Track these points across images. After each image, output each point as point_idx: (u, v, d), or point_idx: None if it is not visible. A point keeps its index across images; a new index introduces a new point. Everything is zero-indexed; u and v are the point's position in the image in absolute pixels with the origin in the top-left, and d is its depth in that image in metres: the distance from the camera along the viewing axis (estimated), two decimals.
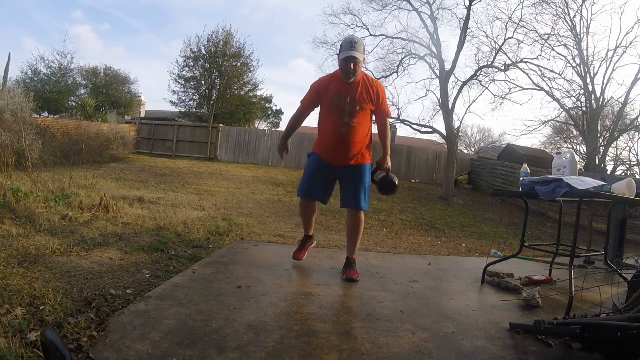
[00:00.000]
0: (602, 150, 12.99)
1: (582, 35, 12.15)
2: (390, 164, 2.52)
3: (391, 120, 12.61)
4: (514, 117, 60.12)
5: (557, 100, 12.83)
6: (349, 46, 2.26)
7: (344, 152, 2.44)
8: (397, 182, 2.62)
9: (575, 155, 2.79)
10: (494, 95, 12.32)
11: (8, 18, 33.39)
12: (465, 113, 17.42)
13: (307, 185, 2.50)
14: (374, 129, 2.55)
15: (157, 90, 62.38)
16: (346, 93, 2.36)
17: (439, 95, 11.27)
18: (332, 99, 2.39)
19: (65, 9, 41.82)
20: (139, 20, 49.02)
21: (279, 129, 22.37)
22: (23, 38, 41.58)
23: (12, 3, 30.87)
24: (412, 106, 77.56)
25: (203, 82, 17.25)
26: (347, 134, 2.39)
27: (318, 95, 2.45)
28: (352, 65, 2.26)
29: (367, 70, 12.67)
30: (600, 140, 12.95)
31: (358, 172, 2.47)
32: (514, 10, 14.25)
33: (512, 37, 11.17)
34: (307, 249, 2.68)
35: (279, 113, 25.61)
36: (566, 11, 11.89)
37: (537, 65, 11.88)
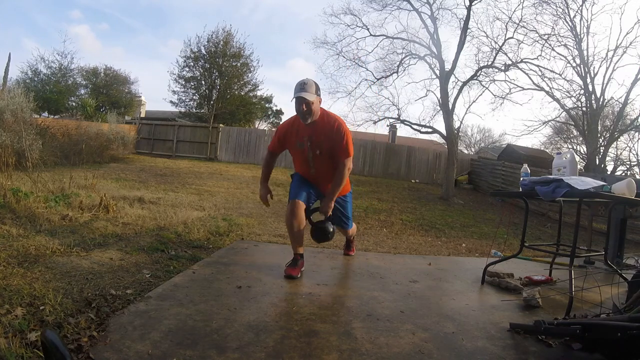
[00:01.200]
0: (602, 150, 12.99)
1: (582, 35, 12.16)
2: (330, 211, 2.45)
3: (391, 120, 12.74)
4: (514, 117, 60.08)
5: (557, 100, 12.83)
6: (298, 88, 2.29)
7: (320, 184, 2.55)
8: (331, 231, 2.48)
9: (575, 155, 2.79)
10: (494, 95, 12.31)
11: (7, 18, 33.41)
12: (465, 113, 17.38)
13: (297, 188, 2.48)
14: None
15: (157, 90, 62.42)
16: (307, 137, 2.40)
17: (439, 95, 11.26)
18: (296, 143, 2.45)
19: (63, 8, 41.87)
20: (137, 20, 49.06)
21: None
22: (22, 38, 41.65)
23: (10, 2, 30.88)
24: (412, 106, 77.40)
25: (203, 82, 17.26)
26: (316, 174, 2.50)
27: (284, 139, 2.52)
28: (304, 106, 2.27)
29: (367, 69, 12.69)
30: (600, 140, 12.95)
31: (338, 203, 2.60)
32: (514, 10, 14.23)
33: (512, 37, 11.16)
34: (299, 267, 2.39)
35: (279, 113, 25.59)
36: (566, 11, 11.90)
37: (537, 65, 11.88)
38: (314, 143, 2.40)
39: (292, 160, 2.62)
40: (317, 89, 2.34)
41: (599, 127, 12.92)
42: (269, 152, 2.65)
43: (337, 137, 2.37)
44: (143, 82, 36.70)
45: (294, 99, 2.29)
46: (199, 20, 51.96)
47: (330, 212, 2.46)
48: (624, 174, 14.40)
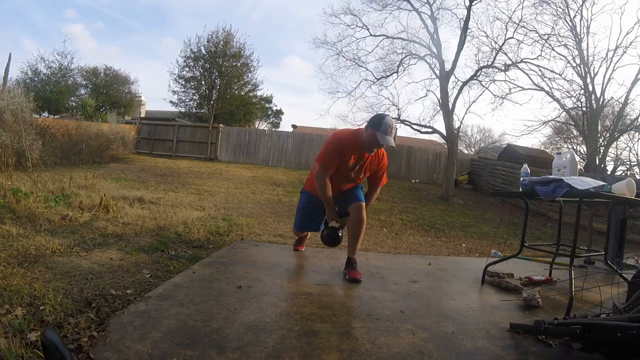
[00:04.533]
0: (602, 150, 12.97)
1: (582, 35, 12.15)
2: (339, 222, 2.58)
3: None
4: (514, 117, 59.99)
5: (557, 100, 12.82)
6: (387, 130, 2.24)
7: (334, 192, 2.56)
8: (340, 235, 2.57)
9: (575, 155, 2.79)
10: (494, 95, 12.30)
11: (7, 18, 33.41)
12: (465, 113, 17.38)
13: (301, 222, 2.76)
14: None
15: (157, 90, 62.38)
16: (362, 160, 2.47)
17: (439, 95, 11.26)
18: (349, 164, 2.46)
19: (59, 7, 41.81)
20: (136, 20, 49.00)
21: (279, 129, 22.39)
22: (22, 38, 41.62)
23: (9, 2, 30.87)
24: (412, 106, 77.48)
25: (203, 82, 17.26)
26: (345, 186, 2.60)
27: (341, 155, 2.41)
28: (382, 148, 2.42)
29: (367, 69, 12.69)
30: (600, 140, 12.93)
31: (351, 187, 2.64)
32: (514, 10, 14.24)
33: (512, 37, 11.16)
34: (304, 243, 3.06)
35: (279, 113, 25.62)
36: (566, 11, 11.89)
37: (537, 65, 11.88)
38: (362, 168, 2.52)
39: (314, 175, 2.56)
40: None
41: (599, 127, 12.90)
42: (324, 173, 2.43)
43: (382, 167, 2.59)
44: (143, 82, 36.67)
45: (381, 141, 2.24)
46: (199, 21, 52.03)
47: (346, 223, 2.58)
48: (624, 174, 14.40)
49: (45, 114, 16.44)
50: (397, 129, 2.34)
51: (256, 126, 22.34)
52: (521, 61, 11.47)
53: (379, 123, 2.26)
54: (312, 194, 2.65)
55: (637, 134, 14.23)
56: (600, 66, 12.55)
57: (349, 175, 2.50)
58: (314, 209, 2.68)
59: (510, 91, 12.04)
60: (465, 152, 24.86)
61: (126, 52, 47.38)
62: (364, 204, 2.52)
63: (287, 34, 54.16)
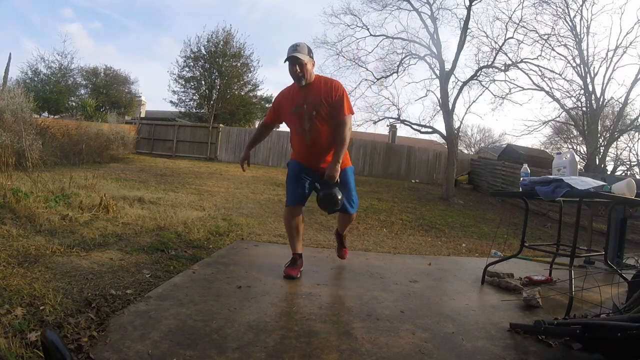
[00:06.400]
0: (602, 150, 12.97)
1: (582, 35, 12.15)
2: (337, 175, 2.28)
3: (391, 120, 12.75)
4: (514, 117, 60.07)
5: (557, 100, 12.83)
6: (291, 49, 2.27)
7: (316, 158, 2.44)
8: (339, 197, 2.31)
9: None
10: (494, 95, 12.30)
11: (6, 18, 33.40)
12: (465, 113, 17.39)
13: (293, 189, 2.43)
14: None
15: (157, 90, 62.37)
16: (303, 100, 2.35)
17: (439, 95, 11.26)
18: (291, 109, 2.40)
19: (57, 7, 41.83)
20: (135, 20, 48.98)
21: (279, 129, 22.36)
22: (21, 38, 41.59)
23: (8, 2, 30.86)
24: (412, 106, 77.40)
25: (203, 82, 17.27)
26: (312, 140, 2.38)
27: (279, 108, 2.50)
28: (297, 67, 2.25)
29: (367, 69, 12.68)
30: (600, 140, 12.93)
31: (340, 177, 2.39)
32: (514, 10, 14.25)
33: (512, 37, 11.15)
34: (299, 267, 2.38)
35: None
36: (566, 11, 11.89)
37: (537, 65, 11.88)
38: (310, 105, 2.32)
39: (289, 135, 2.57)
40: (310, 51, 2.34)
41: (599, 127, 12.90)
42: (263, 123, 2.69)
43: (334, 94, 2.33)
44: (143, 82, 36.73)
45: (287, 61, 2.27)
46: (198, 21, 52.03)
47: (337, 176, 2.28)
48: (624, 174, 14.39)
49: (45, 114, 16.45)
50: (300, 44, 2.29)
51: (256, 126, 22.33)
52: (521, 61, 11.48)
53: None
54: (295, 159, 2.54)
55: (637, 134, 14.23)
56: (600, 66, 12.57)
57: (303, 122, 2.34)
58: (305, 175, 2.46)
59: (510, 91, 12.06)
60: (465, 152, 24.86)
61: (125, 52, 47.42)
62: (352, 215, 2.70)
63: (287, 34, 54.18)
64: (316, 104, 2.32)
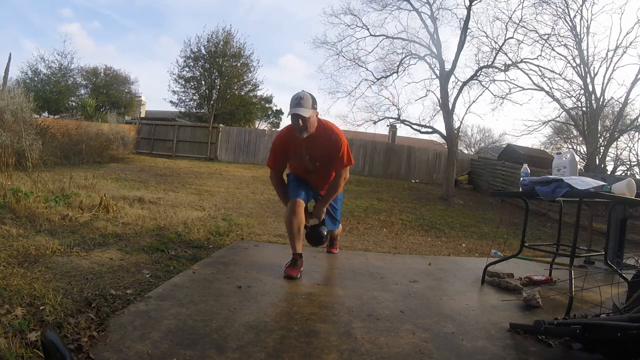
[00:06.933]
0: (602, 150, 12.97)
1: (582, 35, 12.15)
2: (323, 215, 2.54)
3: (391, 120, 12.74)
4: (514, 117, 60.01)
5: (557, 100, 12.83)
6: (294, 103, 2.27)
7: (317, 185, 2.62)
8: (325, 235, 2.56)
9: (575, 155, 2.79)
10: (494, 95, 12.30)
11: (5, 17, 33.40)
12: (465, 113, 17.37)
13: (296, 186, 2.52)
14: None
15: (157, 90, 62.40)
16: (305, 150, 2.42)
17: (439, 95, 11.26)
18: (294, 157, 2.48)
19: (57, 6, 41.83)
20: (135, 20, 48.98)
21: (279, 129, 22.33)
22: (20, 38, 41.61)
23: (7, 2, 30.88)
24: (412, 106, 77.33)
25: (203, 82, 17.28)
26: (314, 179, 2.57)
27: (283, 153, 2.52)
28: (300, 121, 2.27)
29: (367, 69, 12.68)
30: (600, 140, 12.93)
31: (331, 206, 2.64)
32: (514, 10, 14.22)
33: (512, 37, 11.15)
34: (299, 267, 2.35)
35: (279, 113, 25.58)
36: (566, 11, 11.89)
37: (537, 65, 11.87)
38: (312, 156, 2.45)
39: (289, 164, 2.63)
40: (314, 102, 2.33)
41: (599, 127, 12.90)
42: (273, 172, 2.59)
43: (334, 148, 2.40)
44: (143, 82, 36.73)
45: (290, 115, 2.29)
46: (198, 21, 52.02)
47: (322, 217, 2.54)
48: (624, 174, 14.39)
49: (45, 114, 16.46)
50: (304, 96, 2.28)
51: (256, 126, 22.35)
52: (521, 61, 11.48)
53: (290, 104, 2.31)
54: (295, 174, 2.63)
55: (637, 134, 14.24)
56: (600, 66, 12.57)
57: (307, 166, 2.51)
58: (301, 179, 2.59)
59: (510, 91, 12.06)
60: (465, 152, 24.87)
61: (125, 52, 47.42)
62: (335, 232, 2.90)
63: (287, 34, 54.20)
64: (319, 156, 2.44)
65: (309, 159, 2.44)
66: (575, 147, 16.28)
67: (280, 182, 2.61)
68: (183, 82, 17.47)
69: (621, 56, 12.18)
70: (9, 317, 1.43)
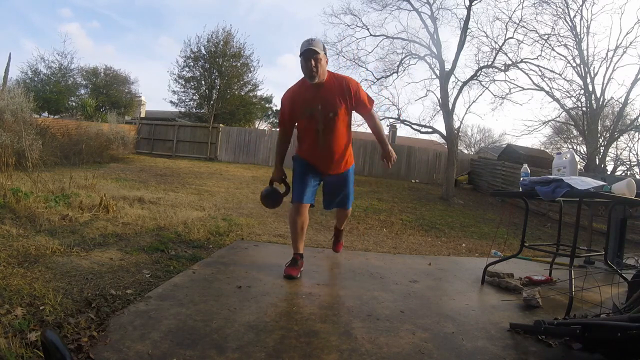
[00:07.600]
0: (602, 150, 12.97)
1: (582, 35, 12.15)
2: (394, 154, 2.38)
3: (391, 120, 12.74)
4: (514, 117, 60.04)
5: (557, 100, 12.83)
6: (306, 43, 2.16)
7: (326, 162, 2.42)
8: (279, 202, 2.54)
9: (575, 155, 2.79)
10: (494, 95, 12.31)
11: (5, 17, 33.40)
12: (465, 113, 17.40)
13: (301, 187, 2.37)
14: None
15: (157, 90, 62.42)
16: (316, 101, 2.25)
17: (439, 95, 11.26)
18: (304, 112, 2.30)
19: (57, 6, 41.84)
20: (134, 20, 48.98)
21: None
22: (20, 38, 41.61)
23: (7, 2, 30.89)
24: (412, 106, 77.52)
25: (203, 82, 17.28)
26: (325, 143, 2.33)
27: (292, 108, 2.35)
28: (313, 62, 2.13)
29: (367, 69, 12.69)
30: (600, 140, 12.93)
31: (342, 178, 2.54)
32: (514, 10, 14.26)
33: (512, 37, 11.16)
34: (299, 267, 2.34)
35: (279, 113, 25.59)
36: (566, 11, 11.89)
37: (537, 65, 11.88)
38: (325, 107, 2.24)
39: (297, 136, 2.47)
40: (324, 47, 2.23)
41: (599, 127, 12.90)
42: (282, 130, 2.47)
43: (351, 91, 2.27)
44: (143, 82, 36.75)
45: (301, 56, 2.15)
46: (198, 21, 52.01)
47: (394, 155, 2.38)
48: (624, 174, 14.39)
49: (45, 114, 16.46)
50: (315, 39, 2.19)
51: (256, 126, 22.34)
52: (521, 61, 11.48)
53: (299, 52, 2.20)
54: (302, 157, 2.47)
55: (637, 134, 14.24)
56: (600, 66, 12.58)
57: (317, 124, 2.29)
58: (311, 173, 2.44)
59: (510, 91, 12.06)
60: (465, 152, 24.86)
61: (125, 52, 47.42)
62: (348, 211, 2.76)
63: (287, 34, 54.18)
64: (333, 105, 2.26)
65: (320, 109, 2.24)
66: (575, 147, 16.29)
67: (283, 141, 2.49)
68: (183, 82, 17.48)
69: (621, 56, 12.20)
70: (9, 317, 1.43)
